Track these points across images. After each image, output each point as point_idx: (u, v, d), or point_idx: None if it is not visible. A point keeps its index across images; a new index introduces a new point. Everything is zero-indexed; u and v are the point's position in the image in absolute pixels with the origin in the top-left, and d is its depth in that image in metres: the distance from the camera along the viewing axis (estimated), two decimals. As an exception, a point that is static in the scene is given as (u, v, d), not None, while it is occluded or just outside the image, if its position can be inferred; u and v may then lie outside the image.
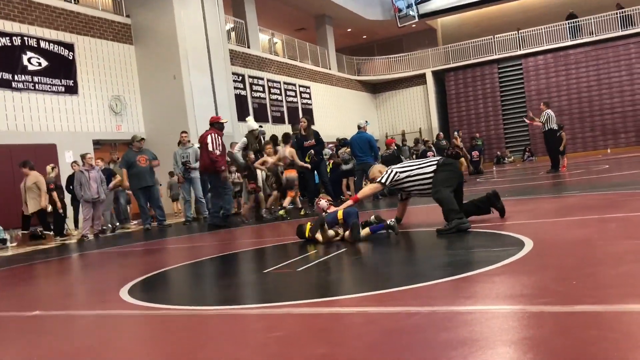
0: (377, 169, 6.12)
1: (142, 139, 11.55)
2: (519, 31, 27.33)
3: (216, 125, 9.77)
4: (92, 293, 4.59)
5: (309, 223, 5.64)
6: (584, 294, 2.69)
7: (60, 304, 4.22)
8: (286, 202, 9.96)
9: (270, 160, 10.75)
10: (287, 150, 10.23)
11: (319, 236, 5.39)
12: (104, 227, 11.41)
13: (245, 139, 11.91)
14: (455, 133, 19.86)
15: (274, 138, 11.59)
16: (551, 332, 2.18)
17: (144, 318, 3.35)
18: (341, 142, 13.80)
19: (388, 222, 5.36)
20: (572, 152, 24.81)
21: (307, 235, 5.55)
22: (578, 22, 26.23)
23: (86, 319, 3.56)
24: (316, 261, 4.54)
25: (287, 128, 20.93)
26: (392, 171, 5.74)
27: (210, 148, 9.32)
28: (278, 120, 21.30)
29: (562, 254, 3.71)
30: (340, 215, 5.39)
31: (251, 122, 11.93)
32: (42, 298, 4.67)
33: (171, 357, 2.48)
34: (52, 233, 11.23)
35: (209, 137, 9.41)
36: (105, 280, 5.29)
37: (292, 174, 10.06)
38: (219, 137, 9.51)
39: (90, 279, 5.55)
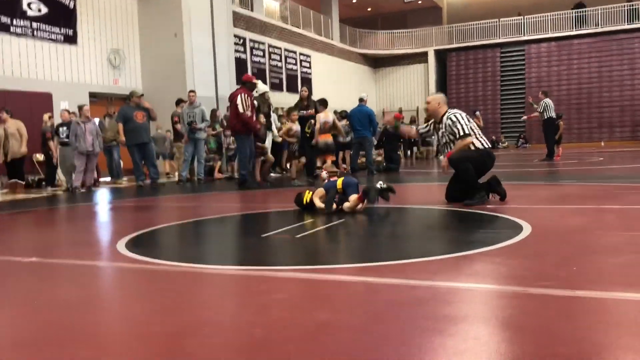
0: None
1: (142, 94, 11.38)
2: (523, 17, 27.11)
3: (247, 84, 9.42)
4: (89, 244, 4.57)
5: (307, 191, 5.63)
6: (586, 280, 2.71)
7: (57, 253, 4.21)
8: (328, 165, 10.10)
9: (295, 127, 10.78)
10: (331, 115, 10.38)
11: (318, 203, 5.39)
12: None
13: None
14: (477, 112, 19.30)
15: (322, 101, 11.10)
16: (555, 315, 2.21)
17: (143, 272, 3.35)
18: (342, 115, 13.71)
19: (380, 186, 5.39)
20: (566, 142, 24.86)
21: (304, 202, 5.54)
22: (585, 12, 26.04)
23: (85, 268, 3.54)
24: (315, 229, 4.54)
25: (285, 95, 20.78)
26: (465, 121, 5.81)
27: (240, 109, 8.95)
28: (276, 87, 21.11)
29: (561, 241, 3.74)
30: (339, 184, 5.38)
31: (261, 85, 11.82)
32: (37, 246, 4.65)
33: (173, 312, 2.48)
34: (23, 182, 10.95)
35: (238, 98, 8.99)
36: (101, 232, 5.28)
37: (329, 138, 10.15)
38: (249, 98, 9.12)
39: (85, 231, 5.53)
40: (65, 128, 11.17)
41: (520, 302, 2.39)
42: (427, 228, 4.78)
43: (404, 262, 3.19)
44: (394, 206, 5.65)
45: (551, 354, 1.80)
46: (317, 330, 2.13)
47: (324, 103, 10.58)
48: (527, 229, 4.07)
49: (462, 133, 5.72)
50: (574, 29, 26.11)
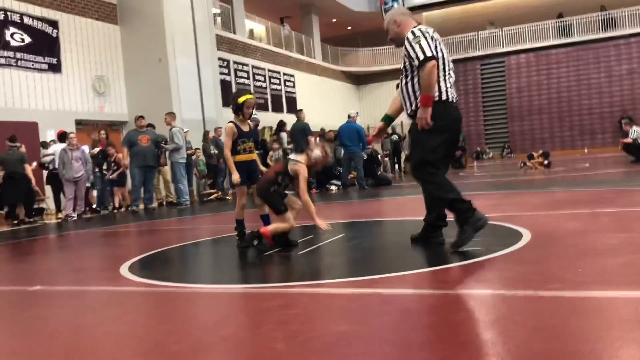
0: None
1: (141, 116, 11.42)
2: (501, 29, 27.59)
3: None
4: (92, 270, 4.55)
5: None
6: (592, 281, 2.77)
7: (61, 280, 4.18)
8: None
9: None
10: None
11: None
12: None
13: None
14: None
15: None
16: (568, 315, 2.26)
17: (152, 294, 3.35)
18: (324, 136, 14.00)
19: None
20: (550, 149, 25.24)
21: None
22: (561, 22, 26.59)
23: (92, 294, 3.53)
24: (315, 245, 4.56)
25: (270, 115, 20.86)
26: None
27: None
28: (262, 107, 21.17)
29: (562, 245, 3.80)
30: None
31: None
32: (39, 274, 4.61)
33: (190, 331, 2.49)
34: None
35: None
36: (103, 258, 5.25)
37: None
38: None
39: (86, 257, 5.50)
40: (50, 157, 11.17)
41: (533, 305, 2.44)
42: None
43: (412, 273, 3.23)
44: (392, 219, 5.71)
45: (571, 351, 1.85)
46: (338, 342, 2.15)
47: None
48: (526, 235, 4.14)
49: (421, 57, 3.74)
50: (552, 39, 26.61)
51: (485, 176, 13.78)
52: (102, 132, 12.73)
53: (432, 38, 3.82)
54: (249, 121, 4.92)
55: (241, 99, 4.75)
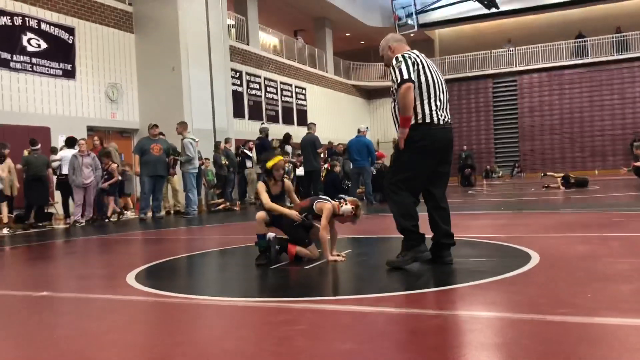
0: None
1: (155, 125, 11.48)
2: (515, 48, 27.63)
3: None
4: (98, 277, 4.56)
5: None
6: (601, 307, 2.74)
7: (68, 286, 4.19)
8: None
9: None
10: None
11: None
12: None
13: None
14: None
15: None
16: (576, 342, 2.23)
17: (157, 305, 3.35)
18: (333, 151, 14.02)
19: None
20: (561, 171, 25.13)
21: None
22: (576, 42, 26.58)
23: (98, 302, 3.53)
24: (322, 260, 4.54)
25: (281, 127, 20.93)
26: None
27: None
28: (273, 119, 21.28)
29: (571, 268, 3.77)
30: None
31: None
32: (47, 280, 4.63)
33: (195, 344, 2.48)
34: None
35: None
36: (110, 265, 5.26)
37: None
38: None
39: (93, 264, 5.51)
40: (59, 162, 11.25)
41: (540, 329, 2.41)
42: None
43: (419, 292, 3.21)
44: (399, 236, 5.67)
45: (581, 380, 1.82)
46: (344, 360, 2.13)
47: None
48: (535, 258, 4.11)
49: (398, 79, 3.89)
50: (565, 60, 26.60)
51: (495, 195, 13.72)
52: (96, 138, 12.70)
53: (414, 63, 3.94)
54: (283, 179, 4.89)
55: (269, 164, 4.75)
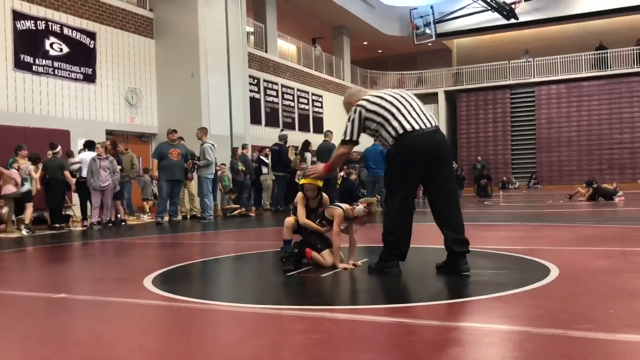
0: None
1: (174, 130, 11.56)
2: (533, 59, 27.46)
3: None
4: (116, 281, 4.58)
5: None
6: (624, 323, 2.69)
7: (85, 289, 4.22)
8: None
9: None
10: None
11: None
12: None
13: None
14: None
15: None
16: (599, 358, 2.19)
17: (174, 309, 3.35)
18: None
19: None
20: (578, 184, 24.86)
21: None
22: (595, 54, 26.35)
23: (115, 305, 3.55)
24: (338, 269, 4.53)
25: (297, 134, 20.97)
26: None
27: None
28: (289, 126, 21.33)
29: (591, 283, 3.72)
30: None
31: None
32: (65, 282, 4.67)
33: (212, 350, 2.48)
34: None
35: None
36: (127, 269, 5.29)
37: None
38: None
39: (110, 267, 5.55)
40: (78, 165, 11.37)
41: (561, 344, 2.38)
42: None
43: (437, 304, 3.18)
44: (415, 246, 5.64)
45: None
46: (362, 371, 2.12)
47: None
48: (555, 271, 4.06)
49: (343, 136, 4.27)
50: (584, 72, 26.38)
51: (513, 206, 13.61)
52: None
53: (368, 104, 4.18)
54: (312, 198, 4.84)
55: (302, 181, 4.85)
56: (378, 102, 4.17)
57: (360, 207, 4.55)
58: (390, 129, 4.07)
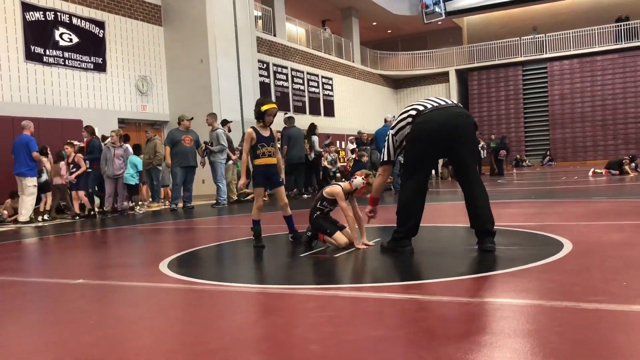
0: None
1: (191, 118, 11.56)
2: (545, 35, 27.08)
3: None
4: (132, 266, 4.65)
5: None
6: (637, 295, 2.69)
7: (102, 274, 4.29)
8: None
9: None
10: None
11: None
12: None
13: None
14: None
15: None
16: (612, 329, 2.20)
17: (190, 292, 3.40)
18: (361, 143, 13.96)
19: None
20: (592, 159, 24.65)
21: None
22: (608, 28, 25.93)
23: (133, 289, 3.61)
24: (352, 248, 4.55)
25: (308, 118, 20.94)
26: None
27: None
28: (300, 109, 21.31)
29: (604, 256, 3.71)
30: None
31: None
32: (82, 268, 4.74)
33: (227, 330, 2.52)
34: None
35: None
36: (142, 254, 5.36)
37: None
38: None
39: (125, 253, 5.62)
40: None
41: (574, 317, 2.38)
42: (466, 245, 4.73)
43: (450, 280, 3.20)
44: (427, 225, 5.65)
45: (616, 366, 1.80)
46: (374, 346, 2.14)
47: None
48: (568, 246, 4.05)
49: (381, 158, 4.57)
50: (597, 46, 25.99)
51: (525, 184, 13.53)
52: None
53: (402, 122, 4.29)
54: (270, 127, 5.12)
55: (264, 107, 4.96)
56: (398, 124, 4.30)
57: (358, 179, 4.62)
58: (411, 113, 4.19)
